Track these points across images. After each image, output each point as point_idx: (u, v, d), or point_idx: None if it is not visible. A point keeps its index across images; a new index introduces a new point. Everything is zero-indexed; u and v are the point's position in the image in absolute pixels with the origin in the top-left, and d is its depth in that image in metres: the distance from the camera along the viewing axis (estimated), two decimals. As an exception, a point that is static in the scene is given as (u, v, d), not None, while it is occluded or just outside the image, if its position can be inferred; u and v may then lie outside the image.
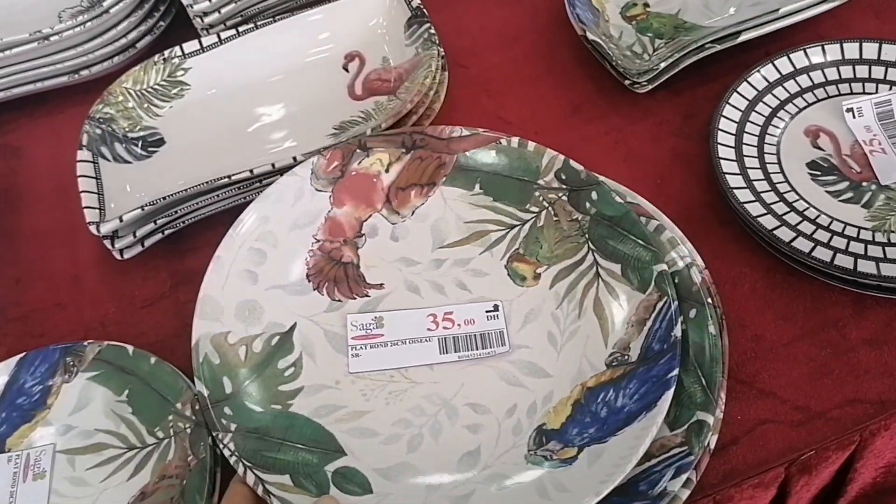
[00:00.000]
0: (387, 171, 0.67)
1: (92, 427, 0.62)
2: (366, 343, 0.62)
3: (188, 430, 0.59)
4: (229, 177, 0.68)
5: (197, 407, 0.60)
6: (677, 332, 0.57)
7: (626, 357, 0.58)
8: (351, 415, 0.59)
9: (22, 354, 0.65)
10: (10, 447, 0.62)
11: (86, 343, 0.65)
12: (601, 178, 0.66)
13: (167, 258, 0.73)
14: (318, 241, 0.65)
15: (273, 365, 0.60)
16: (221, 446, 0.54)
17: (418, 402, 0.59)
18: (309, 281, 0.64)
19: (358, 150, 0.67)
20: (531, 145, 0.67)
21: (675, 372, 0.55)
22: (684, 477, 0.53)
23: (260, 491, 0.53)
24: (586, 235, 0.64)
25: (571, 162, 0.66)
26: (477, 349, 0.61)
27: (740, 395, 0.61)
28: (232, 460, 0.54)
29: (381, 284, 0.64)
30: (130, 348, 0.64)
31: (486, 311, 0.63)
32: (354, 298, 0.64)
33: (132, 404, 0.62)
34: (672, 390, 0.54)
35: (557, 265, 0.64)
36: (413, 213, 0.67)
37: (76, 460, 0.61)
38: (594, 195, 0.64)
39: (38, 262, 0.76)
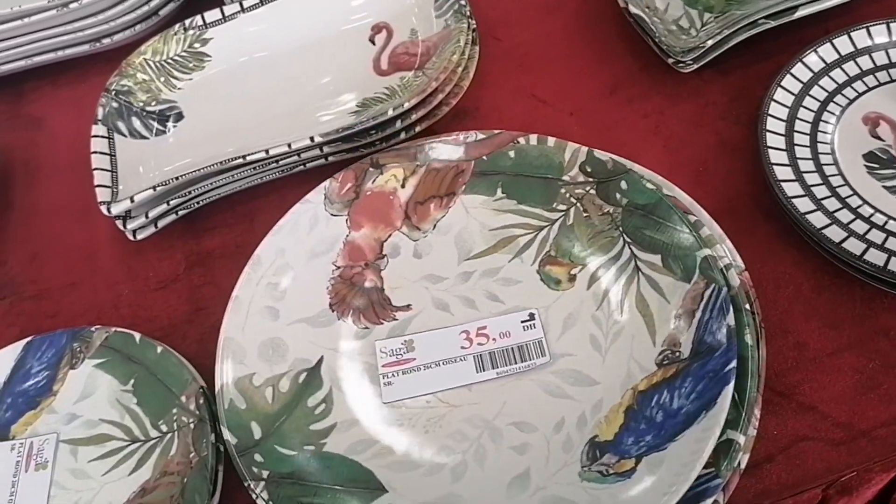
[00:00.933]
0: (403, 186, 0.64)
1: (96, 417, 0.60)
2: (397, 369, 0.58)
3: (191, 426, 0.57)
4: (244, 157, 0.65)
5: (202, 401, 0.57)
6: (730, 320, 0.53)
7: (678, 354, 0.54)
8: (388, 448, 0.55)
9: (29, 339, 0.63)
10: (14, 434, 0.60)
11: (93, 329, 0.63)
12: (632, 164, 0.62)
13: (183, 238, 0.71)
14: (339, 267, 0.62)
15: (302, 403, 0.57)
16: (255, 496, 0.51)
17: (459, 426, 0.56)
18: (332, 311, 0.61)
19: (371, 169, 0.64)
20: (551, 140, 0.63)
21: (734, 364, 0.51)
22: (710, 501, 0.49)
23: None
24: (620, 228, 0.60)
25: (596, 152, 0.62)
26: (516, 363, 0.57)
27: (778, 409, 0.56)
28: None
29: (409, 306, 0.61)
30: (137, 336, 0.62)
31: (522, 322, 0.59)
32: (381, 323, 0.60)
33: (137, 395, 0.60)
34: (732, 385, 0.50)
35: (593, 263, 0.60)
36: (434, 226, 0.64)
37: (79, 451, 0.59)
38: (623, 184, 0.60)
39: (55, 239, 0.74)
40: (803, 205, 0.60)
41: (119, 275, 0.70)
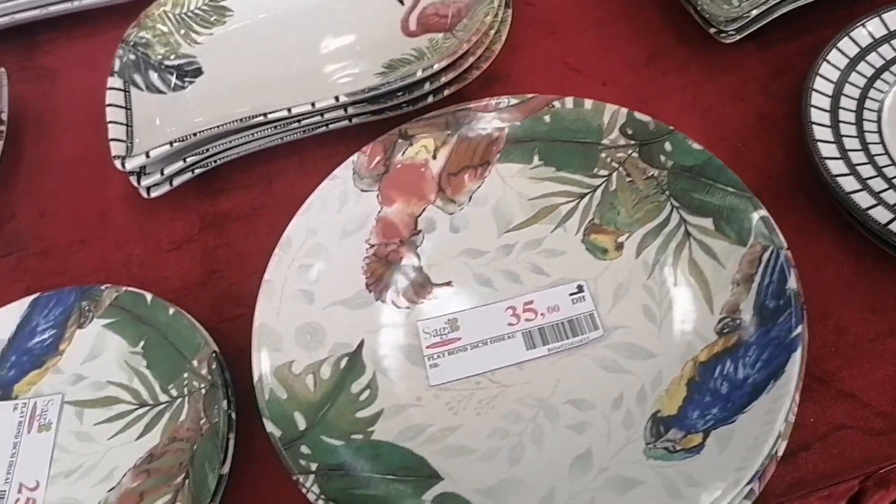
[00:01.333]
0: (434, 157, 0.61)
1: (104, 379, 0.58)
2: (443, 350, 0.55)
3: (203, 391, 0.55)
4: (265, 115, 0.63)
5: (214, 366, 0.55)
6: (792, 283, 0.50)
7: (739, 321, 0.52)
8: (440, 433, 0.52)
9: (35, 295, 0.61)
10: (17, 394, 0.58)
11: (103, 287, 0.61)
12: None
13: (198, 198, 0.69)
14: (373, 245, 0.59)
15: (346, 390, 0.54)
16: (305, 491, 0.49)
17: (512, 407, 0.53)
18: (369, 291, 0.58)
19: (400, 140, 0.61)
20: (588, 103, 0.61)
21: (800, 329, 0.49)
22: (747, 488, 0.47)
23: None
24: (667, 192, 0.57)
25: (636, 114, 0.59)
26: (567, 338, 0.54)
27: (816, 395, 0.54)
28: (319, 503, 0.48)
29: (449, 282, 0.58)
30: (149, 296, 0.59)
31: (570, 294, 0.56)
32: (422, 303, 0.58)
33: (147, 357, 0.58)
34: (800, 351, 0.48)
35: (640, 230, 0.57)
36: (470, 198, 0.61)
37: (84, 413, 0.57)
38: (668, 146, 0.57)
39: (65, 195, 0.72)
40: (848, 184, 0.57)
41: (130, 234, 0.68)
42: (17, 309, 0.61)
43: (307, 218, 0.58)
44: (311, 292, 0.57)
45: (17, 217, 0.71)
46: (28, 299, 0.61)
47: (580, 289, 0.56)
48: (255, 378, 0.52)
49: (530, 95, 0.61)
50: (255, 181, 0.69)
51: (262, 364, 0.53)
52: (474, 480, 0.50)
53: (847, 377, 0.54)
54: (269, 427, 0.50)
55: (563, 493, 0.48)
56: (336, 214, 0.59)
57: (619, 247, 0.57)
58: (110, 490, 0.53)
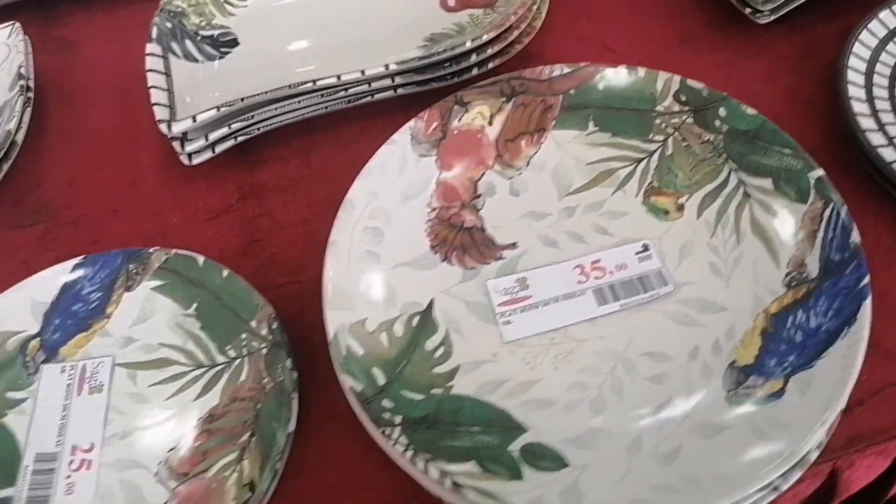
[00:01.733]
0: (490, 123, 0.62)
1: (156, 341, 0.57)
2: (514, 308, 0.55)
3: (263, 351, 0.54)
4: (314, 81, 0.62)
5: (275, 326, 0.55)
6: (855, 237, 0.53)
7: (805, 274, 0.53)
8: (519, 387, 0.52)
9: (81, 257, 0.60)
10: (63, 356, 0.57)
11: (151, 250, 0.60)
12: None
13: (234, 169, 0.68)
14: (434, 208, 0.60)
15: (420, 347, 0.54)
16: (392, 442, 0.48)
17: (589, 361, 0.53)
18: (435, 252, 0.58)
19: (456, 107, 0.62)
20: (641, 71, 0.62)
21: (867, 280, 0.51)
22: (822, 434, 0.48)
23: (448, 486, 0.46)
24: (724, 155, 0.59)
25: (689, 81, 0.61)
26: (639, 294, 0.55)
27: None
28: (408, 455, 0.47)
29: (514, 244, 0.58)
30: (201, 258, 0.59)
31: (637, 253, 0.57)
32: (488, 263, 0.58)
33: (201, 319, 0.57)
34: (869, 299, 0.50)
35: (700, 192, 0.59)
36: (528, 163, 0.61)
37: (137, 375, 0.56)
38: (722, 111, 0.59)
39: (93, 166, 0.70)
40: (888, 154, 0.60)
41: (165, 204, 0.67)
42: (61, 271, 0.59)
43: (368, 181, 0.58)
44: (378, 253, 0.56)
45: (44, 186, 0.69)
46: (72, 261, 0.59)
47: (646, 248, 0.57)
48: (331, 335, 0.52)
49: (583, 64, 0.62)
50: (292, 153, 0.68)
51: (337, 322, 0.53)
52: (559, 431, 0.50)
53: (893, 338, 0.56)
54: (350, 382, 0.50)
55: (650, 440, 0.49)
56: (396, 178, 0.59)
57: (680, 208, 0.59)
58: (170, 450, 0.52)
